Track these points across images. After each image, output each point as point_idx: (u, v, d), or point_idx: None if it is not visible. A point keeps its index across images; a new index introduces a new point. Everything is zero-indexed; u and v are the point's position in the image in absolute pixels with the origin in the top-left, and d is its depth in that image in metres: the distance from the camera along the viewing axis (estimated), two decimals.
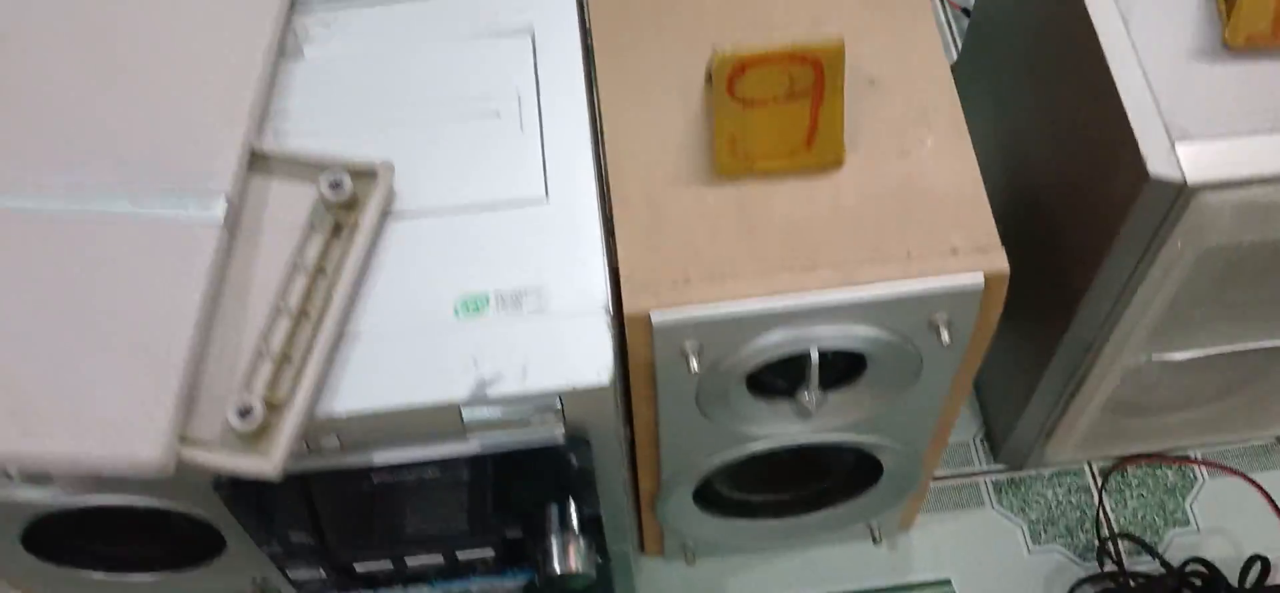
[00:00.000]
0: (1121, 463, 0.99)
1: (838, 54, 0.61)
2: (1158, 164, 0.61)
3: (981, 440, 1.03)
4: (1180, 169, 0.61)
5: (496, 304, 0.62)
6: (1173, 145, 0.61)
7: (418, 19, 0.72)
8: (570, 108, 0.68)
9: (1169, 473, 1.00)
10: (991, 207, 0.63)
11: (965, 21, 1.23)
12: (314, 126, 0.67)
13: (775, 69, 0.61)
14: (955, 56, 1.21)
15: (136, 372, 0.56)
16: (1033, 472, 1.00)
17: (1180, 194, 0.61)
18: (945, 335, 0.62)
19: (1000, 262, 0.62)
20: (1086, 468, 1.00)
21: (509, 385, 0.59)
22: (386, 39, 0.71)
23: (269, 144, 0.66)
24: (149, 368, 0.56)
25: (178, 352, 0.57)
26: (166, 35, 0.68)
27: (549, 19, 0.71)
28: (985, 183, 0.64)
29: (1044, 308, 0.80)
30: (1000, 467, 1.02)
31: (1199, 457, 1.00)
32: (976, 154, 0.65)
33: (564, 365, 0.60)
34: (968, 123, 0.66)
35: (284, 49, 0.70)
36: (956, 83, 0.68)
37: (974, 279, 0.61)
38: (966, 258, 0.61)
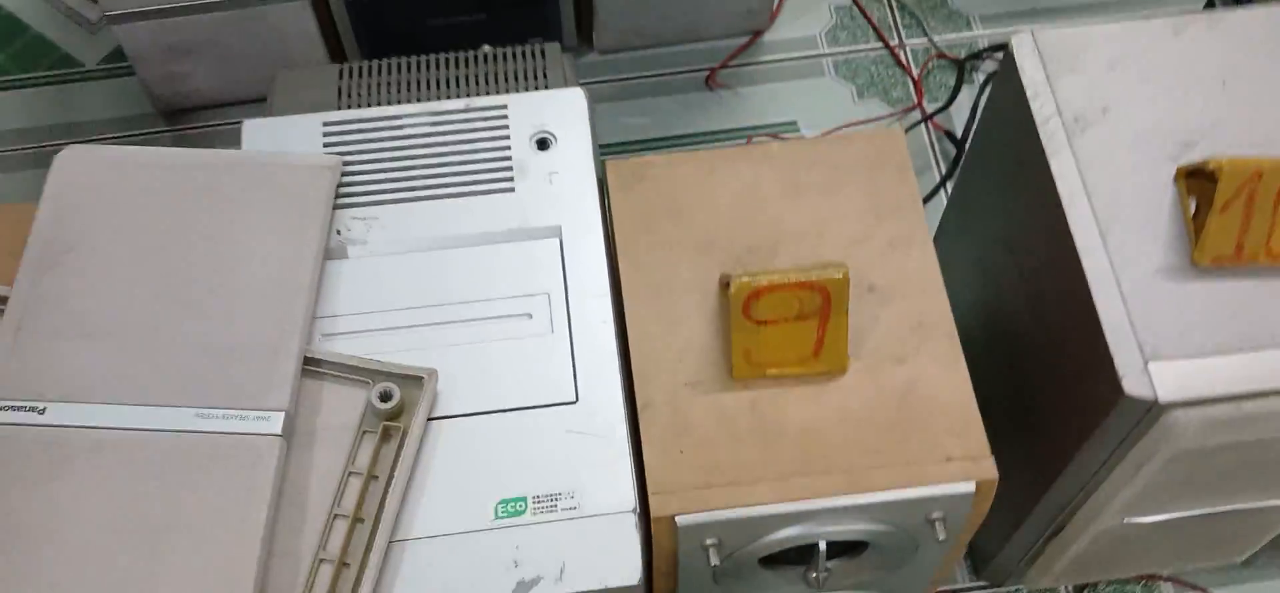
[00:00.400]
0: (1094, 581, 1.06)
1: (843, 285, 0.67)
2: (1133, 383, 0.67)
3: (966, 558, 1.10)
4: (1153, 388, 0.67)
5: (534, 507, 0.67)
6: (1146, 365, 0.68)
7: (452, 217, 0.77)
8: (596, 309, 0.74)
9: (1137, 588, 1.07)
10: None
11: (949, 144, 1.30)
12: (359, 326, 0.73)
13: (787, 295, 0.68)
14: (939, 177, 1.28)
15: (209, 588, 0.62)
16: (1013, 587, 1.07)
17: (1152, 409, 0.68)
18: (940, 531, 0.69)
19: (990, 470, 0.68)
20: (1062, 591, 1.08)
21: (547, 587, 0.65)
22: (423, 237, 0.76)
23: (319, 348, 0.71)
24: (221, 585, 0.62)
25: (247, 570, 0.62)
26: (223, 242, 0.74)
27: (575, 221, 0.77)
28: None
29: (1027, 465, 0.86)
30: (983, 583, 1.08)
31: (1166, 574, 1.07)
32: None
33: (597, 567, 0.65)
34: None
35: (329, 248, 0.75)
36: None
37: (967, 486, 0.67)
38: (960, 466, 0.68)
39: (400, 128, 0.81)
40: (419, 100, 0.86)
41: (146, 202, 0.74)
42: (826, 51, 1.37)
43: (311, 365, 0.70)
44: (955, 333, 0.73)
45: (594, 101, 0.82)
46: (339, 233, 0.76)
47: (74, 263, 0.72)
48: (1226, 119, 0.76)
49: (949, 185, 1.27)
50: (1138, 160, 0.75)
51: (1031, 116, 0.77)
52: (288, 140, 0.80)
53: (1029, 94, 0.78)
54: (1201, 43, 0.80)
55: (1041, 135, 0.76)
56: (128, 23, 1.16)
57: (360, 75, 0.87)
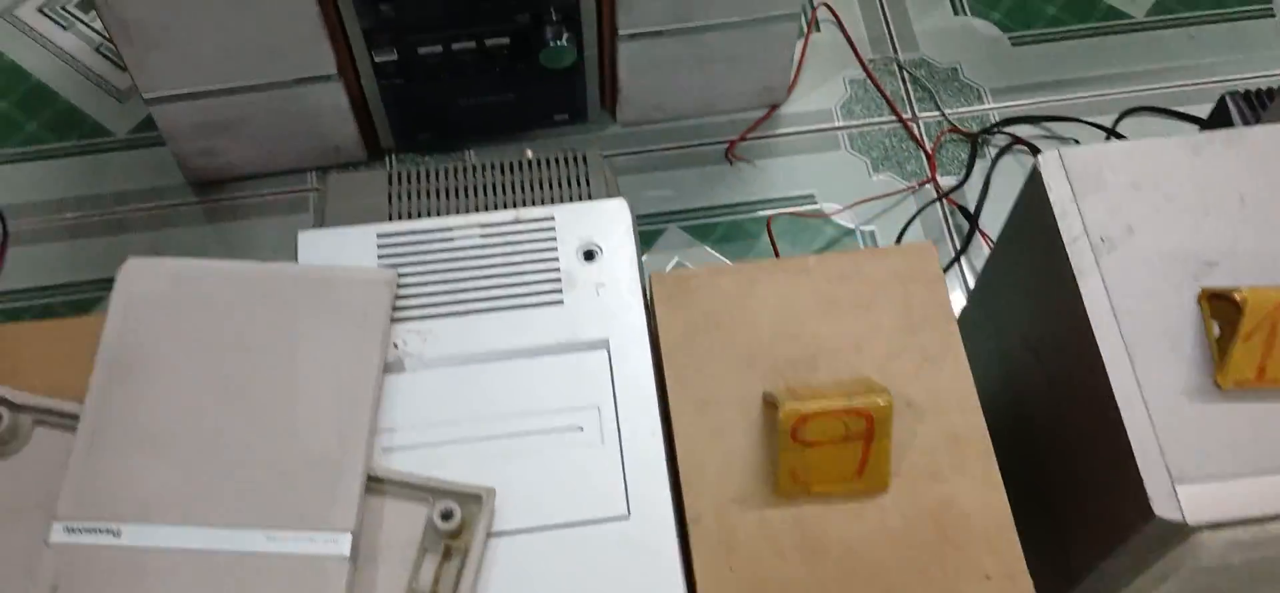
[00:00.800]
0: None
1: (887, 411, 0.71)
2: (1162, 506, 0.71)
3: None
4: (1181, 512, 0.71)
5: None
6: (1174, 487, 0.71)
7: (503, 329, 0.80)
8: (645, 422, 0.77)
9: None
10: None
11: (962, 219, 1.33)
12: (415, 440, 0.76)
13: (833, 420, 0.71)
14: (954, 251, 1.31)
15: None
16: None
17: (1180, 530, 0.71)
18: None
19: (1026, 587, 0.71)
20: None
21: None
22: (476, 351, 0.79)
23: (379, 465, 0.74)
24: None
25: None
26: (285, 357, 0.76)
27: (622, 333, 0.80)
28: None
29: (1044, 569, 0.90)
30: None
31: None
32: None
33: None
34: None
35: (387, 363, 0.78)
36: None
37: None
38: (998, 584, 0.71)
39: (451, 239, 0.84)
40: (466, 208, 0.88)
41: (209, 315, 0.77)
42: (842, 125, 1.41)
43: (373, 482, 0.73)
44: (991, 450, 0.76)
45: (616, 172, 0.85)
46: (396, 347, 0.79)
47: (142, 379, 0.74)
48: (1245, 237, 0.80)
49: (964, 262, 1.31)
50: (1162, 280, 0.79)
51: (1059, 234, 0.81)
52: (343, 252, 0.83)
53: (1057, 212, 0.81)
54: (1220, 162, 0.83)
55: (1069, 255, 0.80)
56: (164, 104, 1.18)
57: (409, 182, 0.90)
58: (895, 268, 0.84)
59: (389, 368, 0.78)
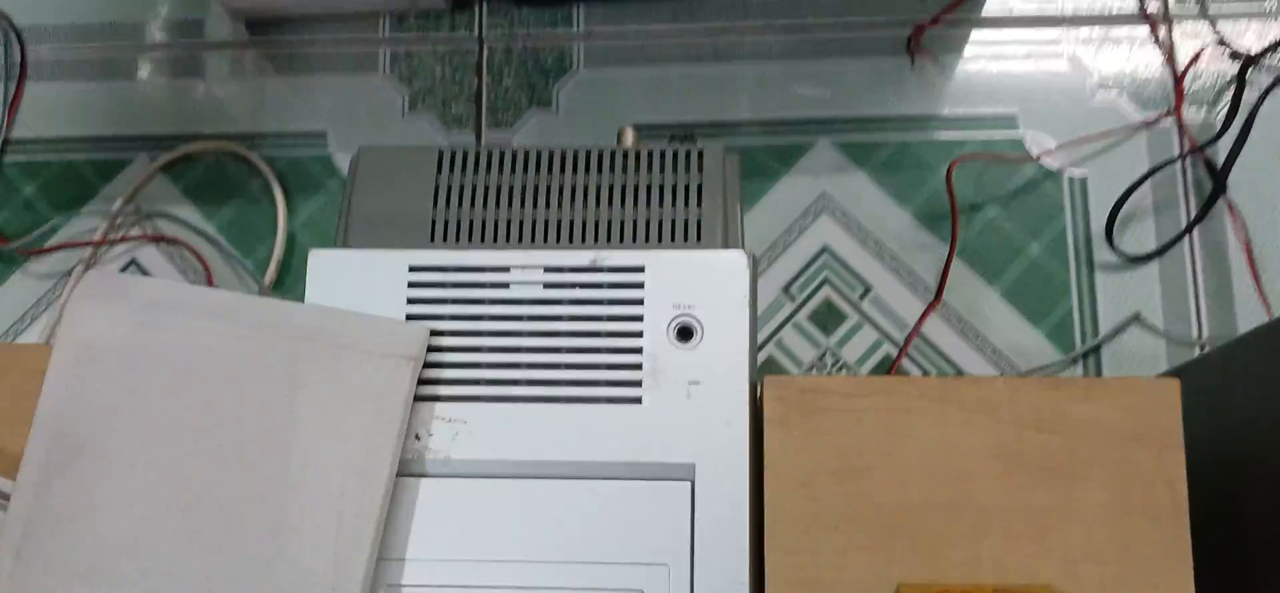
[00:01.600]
0: None
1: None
2: None
3: None
4: None
5: None
6: None
7: (559, 431, 0.60)
8: None
9: None
10: None
11: (1204, 173, 1.02)
12: (428, 578, 0.58)
13: None
14: (1185, 219, 1.01)
15: None
16: None
17: None
18: None
19: None
20: None
21: None
22: (519, 460, 0.60)
23: None
24: None
25: None
26: (272, 444, 0.58)
27: (714, 460, 0.59)
28: None
29: None
30: None
31: None
32: None
33: None
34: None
35: (403, 459, 0.60)
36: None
37: None
38: None
39: (505, 285, 0.62)
40: (534, 217, 0.66)
41: (179, 378, 0.59)
42: (1067, 16, 1.08)
43: None
44: None
45: (740, 190, 0.61)
46: (417, 438, 0.60)
47: (90, 465, 0.58)
48: None
49: (1196, 241, 1.01)
50: None
51: None
52: (365, 285, 0.62)
53: None
54: None
55: None
56: None
57: (464, 170, 0.67)
58: (1117, 416, 0.59)
59: (405, 466, 0.60)
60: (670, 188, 0.66)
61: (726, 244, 0.64)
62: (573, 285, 0.62)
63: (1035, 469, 0.58)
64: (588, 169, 0.67)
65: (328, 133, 1.02)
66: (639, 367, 0.61)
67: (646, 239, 0.65)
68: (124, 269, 1.01)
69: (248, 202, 1.01)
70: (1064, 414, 0.59)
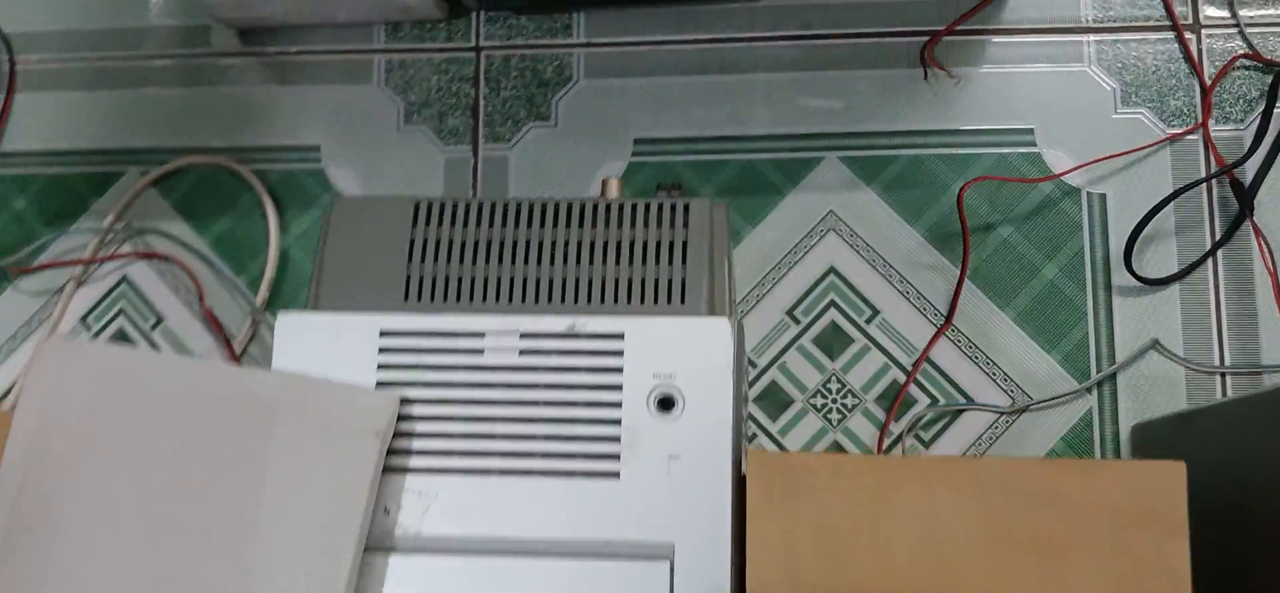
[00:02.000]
0: None
1: None
2: None
3: None
4: None
5: None
6: None
7: (532, 506, 0.58)
8: None
9: None
10: None
11: (1229, 192, 0.98)
12: None
13: None
14: (1209, 240, 0.97)
15: None
16: None
17: None
18: None
19: None
20: None
21: None
22: (489, 537, 0.58)
23: None
24: None
25: None
26: (233, 518, 0.57)
27: (694, 539, 0.57)
28: None
29: None
30: None
31: None
32: None
33: None
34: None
35: (371, 534, 0.58)
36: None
37: None
38: None
39: (480, 351, 0.60)
40: (511, 274, 0.63)
41: (143, 448, 0.57)
42: (1091, 27, 1.04)
43: None
44: None
45: (730, 251, 0.58)
46: (386, 511, 0.58)
47: (46, 538, 0.56)
48: None
49: (1220, 264, 0.97)
50: None
51: None
52: (333, 349, 0.60)
53: None
54: None
55: None
56: None
57: (441, 221, 0.64)
58: (1116, 499, 0.56)
59: (374, 541, 0.58)
60: (654, 244, 0.63)
61: (711, 308, 0.61)
62: (549, 353, 0.60)
63: (1028, 549, 0.56)
64: (568, 222, 0.64)
65: (321, 147, 1.00)
66: (617, 439, 0.58)
67: (629, 300, 0.62)
68: (115, 287, 0.99)
69: (241, 217, 0.99)
70: (1061, 493, 0.56)
